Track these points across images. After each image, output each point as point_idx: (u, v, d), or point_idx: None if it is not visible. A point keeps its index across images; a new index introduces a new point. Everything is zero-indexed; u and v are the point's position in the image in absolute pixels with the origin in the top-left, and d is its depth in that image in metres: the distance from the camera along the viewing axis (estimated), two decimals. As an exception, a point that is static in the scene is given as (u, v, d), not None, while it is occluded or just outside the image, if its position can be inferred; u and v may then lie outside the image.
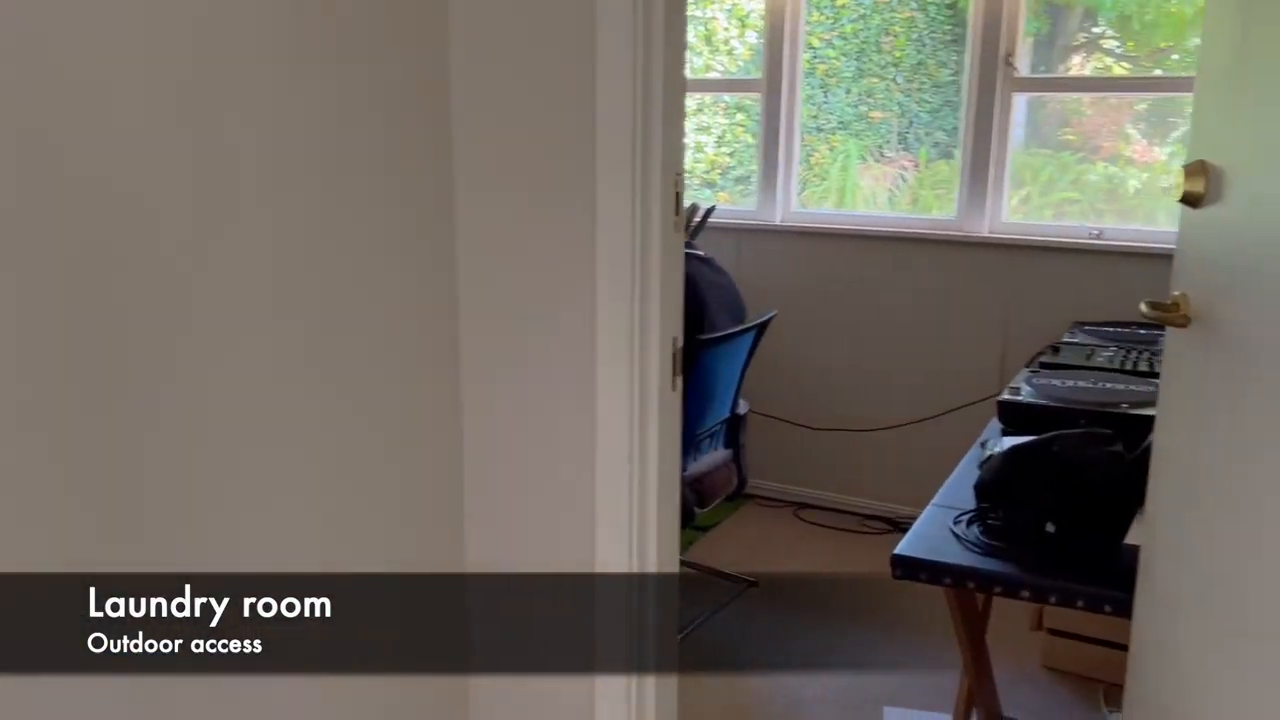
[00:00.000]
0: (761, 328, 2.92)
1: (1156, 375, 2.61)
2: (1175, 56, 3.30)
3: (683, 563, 3.36)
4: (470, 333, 1.37)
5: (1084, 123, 3.49)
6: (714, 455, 2.96)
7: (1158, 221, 3.34)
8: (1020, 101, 3.45)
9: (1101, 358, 2.76)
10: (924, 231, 3.58)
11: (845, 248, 3.68)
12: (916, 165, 3.72)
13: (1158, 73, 3.37)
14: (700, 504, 2.83)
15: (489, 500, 1.46)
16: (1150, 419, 2.28)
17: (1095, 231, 3.37)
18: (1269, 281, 1.24)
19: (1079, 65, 3.46)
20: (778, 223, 3.83)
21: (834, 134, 3.83)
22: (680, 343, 1.24)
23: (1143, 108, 3.36)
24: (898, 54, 3.64)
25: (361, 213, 1.23)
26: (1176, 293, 1.50)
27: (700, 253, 2.94)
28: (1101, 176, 3.42)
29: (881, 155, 3.81)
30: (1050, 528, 1.87)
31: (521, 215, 1.29)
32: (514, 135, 1.28)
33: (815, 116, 3.84)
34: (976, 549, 1.85)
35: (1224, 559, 1.32)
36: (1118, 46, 3.43)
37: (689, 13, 4.38)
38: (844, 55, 3.78)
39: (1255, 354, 1.27)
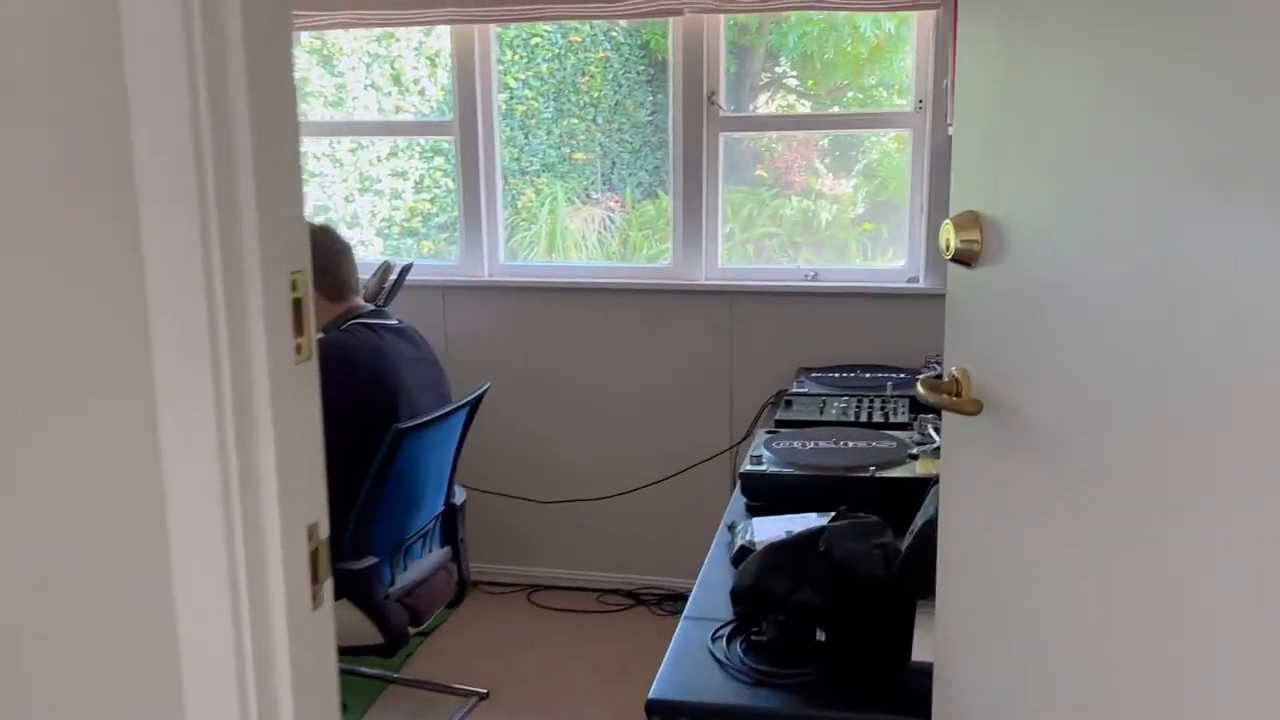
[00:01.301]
0: (474, 404, 2.49)
1: (893, 427, 2.45)
2: (852, 93, 3.30)
3: (403, 680, 2.85)
4: None
5: (775, 159, 3.43)
6: (429, 559, 2.49)
7: (849, 252, 3.31)
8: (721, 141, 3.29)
9: (835, 409, 2.57)
10: (642, 281, 3.30)
11: (561, 302, 3.33)
12: (623, 205, 3.52)
13: (835, 110, 3.33)
14: (415, 622, 2.34)
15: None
16: (901, 481, 2.08)
17: (810, 273, 3.24)
18: (1071, 357, 0.99)
19: (765, 103, 3.42)
20: (485, 277, 3.42)
21: (539, 176, 3.52)
22: (326, 530, 0.79)
23: (826, 143, 3.32)
24: (595, 94, 3.43)
25: None
26: (954, 369, 1.23)
27: (395, 322, 2.47)
28: (796, 210, 3.35)
29: (588, 197, 3.55)
30: (821, 635, 1.58)
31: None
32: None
33: (518, 159, 3.56)
34: (743, 677, 1.52)
35: (1042, 680, 1.06)
36: (799, 85, 3.41)
37: (375, 51, 3.91)
38: (542, 96, 3.49)
39: (1062, 447, 1.01)
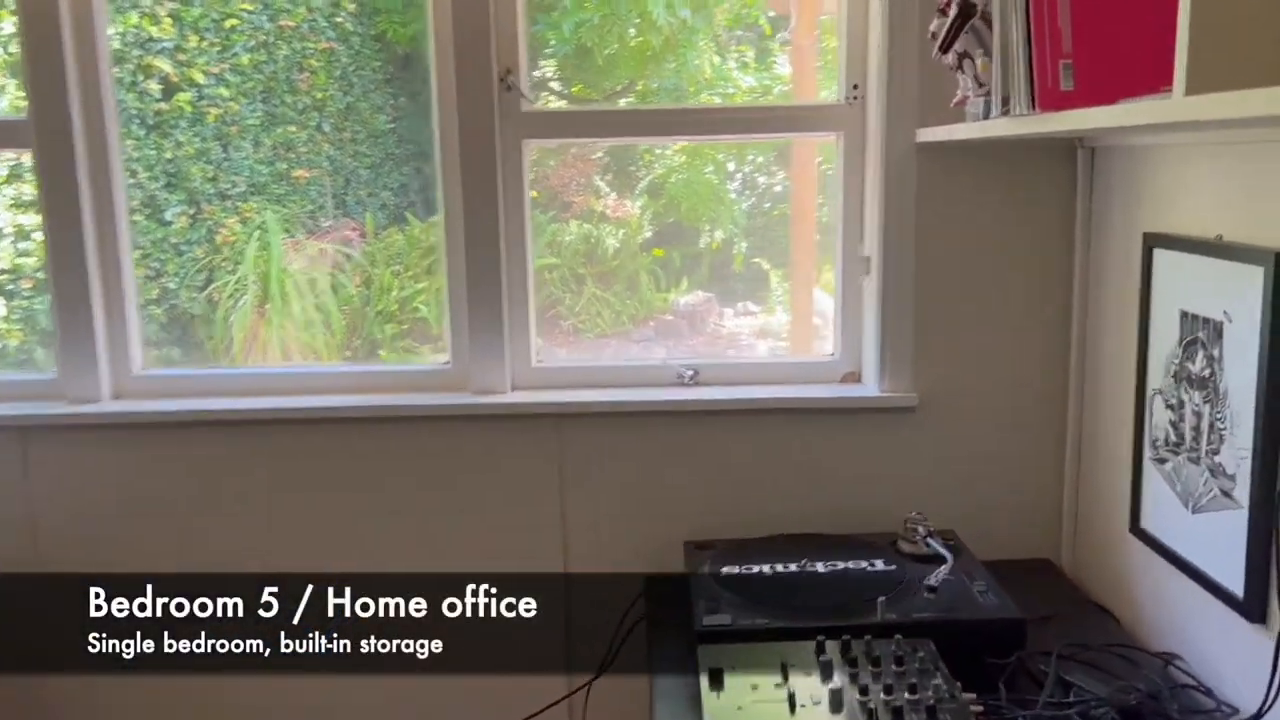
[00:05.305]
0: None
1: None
2: (627, 99, 2.56)
3: None
4: None
5: (549, 176, 2.68)
6: None
7: (640, 285, 2.52)
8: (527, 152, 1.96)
9: (800, 677, 1.24)
10: (398, 402, 1.85)
11: (251, 444, 1.82)
12: (363, 235, 2.58)
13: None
14: None
15: None
16: None
17: (688, 373, 1.90)
18: None
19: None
20: (104, 404, 1.84)
21: (246, 201, 2.55)
22: None
23: (602, 157, 2.65)
24: (319, 95, 2.61)
25: None
26: None
27: None
28: (577, 236, 2.70)
29: (316, 226, 2.58)
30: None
31: None
32: None
33: (214, 179, 2.54)
34: None
35: None
36: (563, 88, 2.72)
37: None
38: (244, 95, 2.59)
39: None
